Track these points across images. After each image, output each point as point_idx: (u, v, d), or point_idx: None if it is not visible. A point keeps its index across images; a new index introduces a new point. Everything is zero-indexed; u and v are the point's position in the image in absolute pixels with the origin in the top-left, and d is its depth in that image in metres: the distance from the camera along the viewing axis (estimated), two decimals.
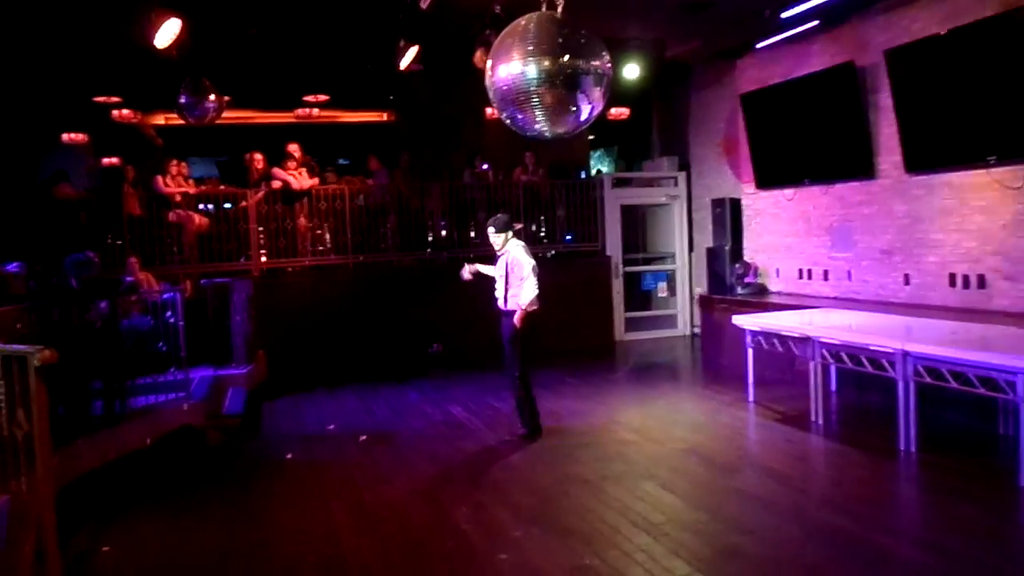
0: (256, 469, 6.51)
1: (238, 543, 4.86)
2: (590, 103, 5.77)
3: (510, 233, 6.98)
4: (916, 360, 5.79)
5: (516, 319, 6.71)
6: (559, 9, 5.19)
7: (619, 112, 13.61)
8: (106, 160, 14.37)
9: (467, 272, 7.12)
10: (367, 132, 15.28)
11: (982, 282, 7.48)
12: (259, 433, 7.73)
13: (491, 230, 7.01)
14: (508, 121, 5.93)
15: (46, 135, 13.36)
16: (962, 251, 7.69)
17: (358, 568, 4.38)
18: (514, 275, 6.80)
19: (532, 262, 6.81)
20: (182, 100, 9.33)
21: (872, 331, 6.51)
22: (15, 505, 1.53)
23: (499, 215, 7.28)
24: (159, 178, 10.66)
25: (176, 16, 7.60)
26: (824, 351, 6.77)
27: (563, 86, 5.57)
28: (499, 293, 6.95)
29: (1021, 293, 7.15)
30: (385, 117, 15.33)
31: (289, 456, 6.80)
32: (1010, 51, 6.78)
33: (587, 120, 5.89)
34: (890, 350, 5.98)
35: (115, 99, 12.45)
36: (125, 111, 12.80)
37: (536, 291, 6.75)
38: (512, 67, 5.53)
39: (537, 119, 5.75)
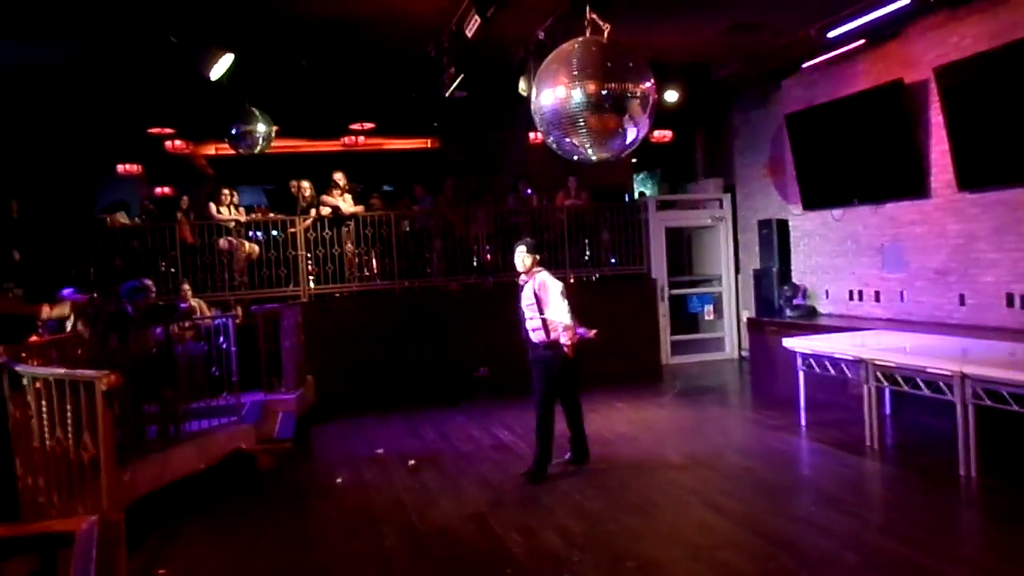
0: (307, 493, 6.56)
1: (291, 566, 4.91)
2: (635, 126, 5.81)
3: (537, 258, 6.55)
4: (975, 382, 5.65)
5: (569, 342, 6.24)
6: (605, 34, 5.23)
7: (662, 134, 13.61)
8: (159, 189, 14.79)
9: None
10: (412, 159, 15.52)
11: None
12: (310, 457, 7.80)
13: (522, 249, 6.52)
14: (554, 145, 5.99)
15: (102, 166, 13.78)
16: (1020, 271, 7.50)
17: None
18: (546, 298, 6.31)
19: (560, 284, 6.42)
20: (233, 131, 9.56)
21: (928, 353, 6.37)
22: (104, 527, 1.57)
23: (528, 238, 7.04)
24: (211, 206, 10.93)
25: (230, 52, 7.82)
26: (878, 374, 6.63)
27: (609, 110, 5.63)
28: (535, 324, 6.38)
29: None
30: (429, 144, 15.54)
31: (339, 480, 6.85)
32: None
33: (632, 143, 5.92)
34: (948, 372, 5.84)
35: (168, 130, 12.81)
36: (178, 142, 13.16)
37: (571, 319, 6.28)
38: (558, 92, 5.59)
39: (583, 143, 5.80)
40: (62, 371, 3.69)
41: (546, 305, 6.32)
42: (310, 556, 5.05)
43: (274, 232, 11.25)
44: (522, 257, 6.49)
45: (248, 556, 5.13)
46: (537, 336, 6.38)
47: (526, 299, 6.44)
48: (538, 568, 4.64)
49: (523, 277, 6.53)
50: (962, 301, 8.17)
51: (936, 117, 8.19)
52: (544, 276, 6.44)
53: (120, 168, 13.98)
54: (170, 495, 6.24)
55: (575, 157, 5.99)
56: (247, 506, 6.28)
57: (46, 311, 6.40)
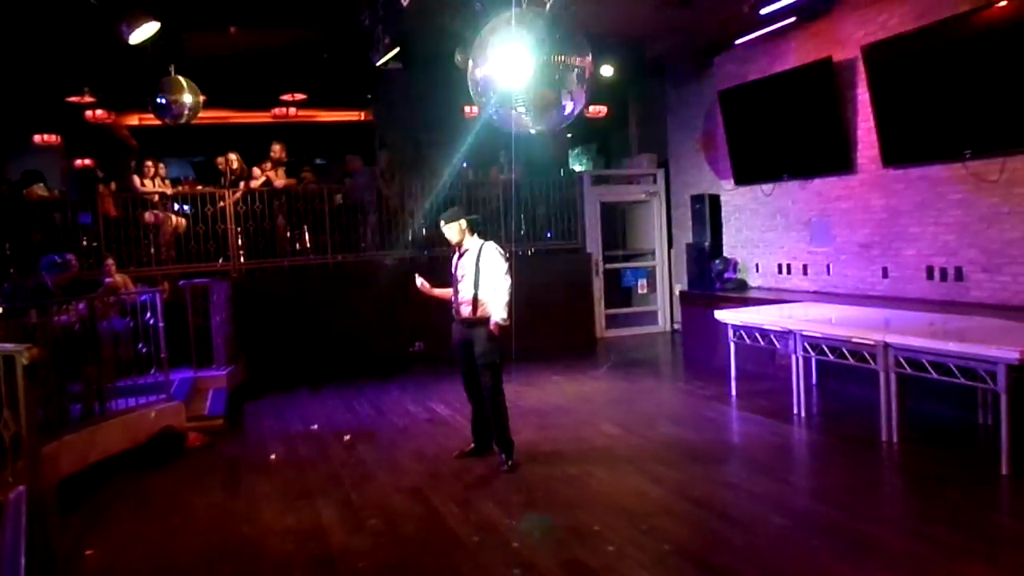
0: (240, 470, 6.44)
1: (226, 543, 4.81)
2: (572, 100, 5.81)
3: (464, 224, 6.02)
4: (897, 351, 5.86)
5: (493, 328, 5.79)
6: (548, 5, 5.20)
7: (597, 110, 13.68)
8: (79, 161, 14.21)
9: (419, 283, 6.19)
10: (344, 131, 15.23)
11: (960, 274, 7.58)
12: (242, 434, 7.66)
13: (442, 223, 6.08)
14: (491, 118, 5.96)
15: (17, 136, 13.17)
16: (940, 244, 7.79)
17: (348, 566, 4.35)
18: (485, 276, 5.86)
19: (506, 260, 5.94)
20: (157, 100, 9.23)
21: (852, 324, 6.58)
22: (33, 496, 1.50)
23: (452, 208, 6.36)
24: (136, 178, 10.56)
25: (155, 20, 7.53)
26: (805, 344, 6.82)
27: (547, 83, 5.61)
28: (464, 296, 5.91)
29: (998, 285, 7.25)
30: (363, 116, 15.28)
31: (273, 456, 6.74)
32: (983, 47, 6.88)
33: (570, 116, 5.92)
34: (871, 342, 6.04)
35: (89, 99, 12.29)
36: (99, 111, 12.65)
37: (509, 298, 5.80)
38: (494, 64, 5.55)
39: (520, 116, 5.78)
40: None
41: (481, 287, 5.87)
42: (244, 533, 4.97)
43: (186, 207, 10.89)
44: (447, 233, 6.06)
45: (179, 535, 5.02)
46: (465, 310, 5.93)
47: (462, 270, 5.96)
48: (472, 539, 4.65)
49: (463, 247, 6.04)
50: (885, 274, 8.45)
51: (863, 95, 8.40)
52: (490, 250, 5.94)
53: (37, 138, 13.38)
54: (96, 475, 6.06)
55: (512, 129, 5.97)
56: (177, 485, 6.13)
57: None
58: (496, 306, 5.81)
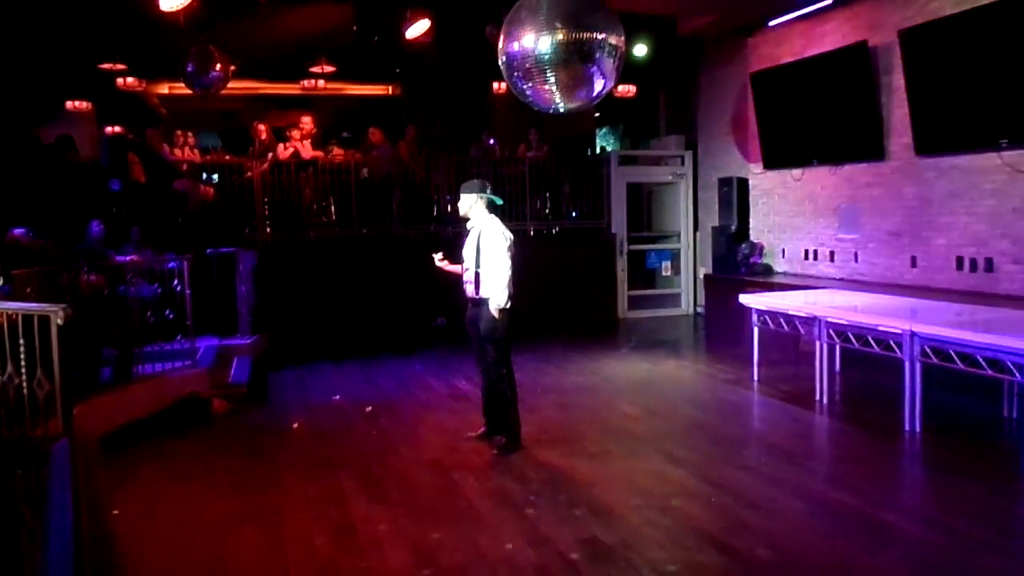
0: (263, 437, 6.53)
1: (247, 508, 4.89)
2: (603, 77, 5.78)
3: (477, 199, 5.82)
4: (923, 341, 5.81)
5: (493, 311, 5.67)
6: None
7: (626, 89, 13.54)
8: (109, 129, 14.33)
9: (437, 260, 6.08)
10: (372, 105, 15.22)
11: (990, 265, 7.48)
12: (265, 403, 7.76)
13: (463, 192, 5.90)
14: (520, 95, 5.93)
15: (49, 102, 13.27)
16: (971, 234, 7.68)
17: (369, 534, 4.42)
18: (485, 256, 5.71)
19: (508, 241, 5.69)
20: (188, 69, 9.28)
21: (879, 312, 6.52)
22: (76, 445, 1.55)
23: (474, 180, 6.15)
24: (165, 147, 10.64)
25: None
26: (830, 331, 6.78)
27: (577, 60, 5.57)
28: (469, 276, 5.82)
29: None
30: (390, 91, 15.26)
31: (295, 425, 6.83)
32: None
33: (600, 95, 5.90)
34: (897, 331, 5.99)
35: (120, 67, 12.35)
36: (130, 79, 12.71)
37: (509, 279, 5.63)
38: (526, 40, 5.53)
39: (550, 93, 5.75)
40: (15, 305, 3.59)
41: (483, 265, 5.73)
42: (266, 499, 5.04)
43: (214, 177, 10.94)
44: (466, 198, 5.86)
45: (205, 498, 5.11)
46: (469, 290, 5.84)
47: (467, 248, 5.86)
48: (491, 513, 4.70)
49: (471, 223, 5.90)
50: (914, 263, 8.35)
51: (899, 81, 8.26)
52: (492, 226, 5.77)
53: (69, 105, 13.49)
54: (123, 437, 6.17)
55: (541, 107, 5.94)
56: (201, 450, 6.24)
57: None
58: (495, 289, 5.65)
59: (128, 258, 7.76)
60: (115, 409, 6.21)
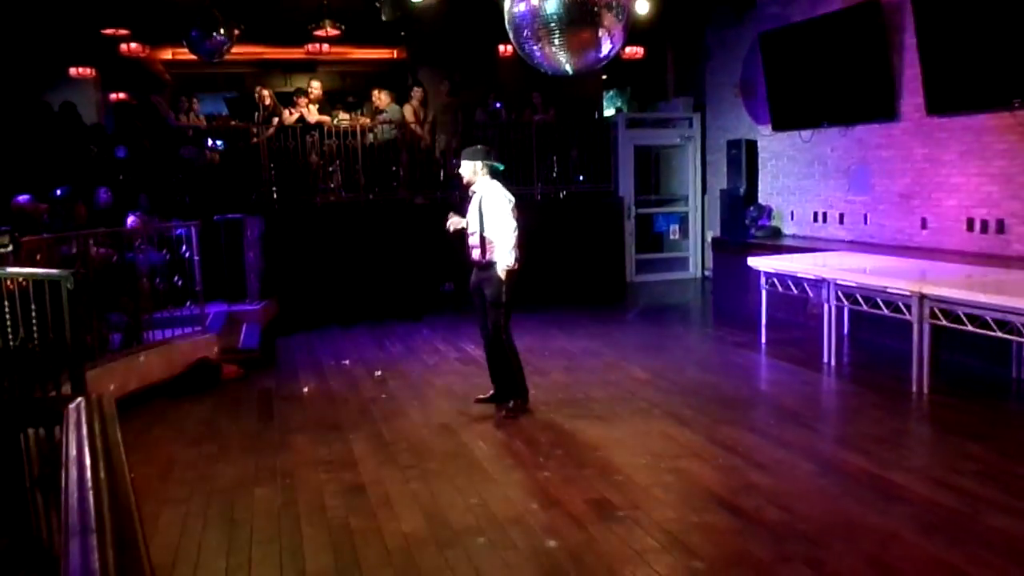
0: (274, 401, 6.58)
1: (259, 471, 4.95)
2: (610, 38, 5.71)
3: (480, 166, 5.79)
4: (932, 302, 5.79)
5: (501, 273, 5.67)
6: None
7: (633, 51, 13.38)
8: (113, 95, 14.26)
9: (451, 224, 5.97)
10: (377, 69, 15.10)
11: (1001, 227, 7.43)
12: (275, 367, 7.80)
13: (461, 159, 5.94)
14: (528, 57, 5.87)
15: (53, 68, 13.19)
16: (982, 195, 7.62)
17: (380, 496, 4.47)
18: (489, 219, 5.70)
19: (511, 203, 5.69)
20: (192, 34, 9.20)
21: (888, 273, 6.49)
22: (91, 404, 1.56)
23: (477, 146, 6.11)
24: (171, 113, 10.59)
25: None
26: (839, 293, 6.77)
27: (584, 20, 5.51)
28: (474, 241, 5.78)
29: None
30: (395, 55, 15.12)
31: (306, 389, 6.88)
32: None
33: (608, 55, 5.85)
34: (906, 292, 5.97)
35: (123, 32, 12.25)
36: (134, 45, 12.61)
37: (515, 240, 5.66)
38: (532, 1, 5.46)
39: (557, 54, 5.69)
40: (27, 270, 3.61)
41: (487, 229, 5.73)
42: (278, 462, 5.10)
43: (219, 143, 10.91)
44: (468, 166, 5.82)
45: (215, 461, 5.16)
46: (475, 254, 5.82)
47: (470, 214, 5.84)
48: (501, 475, 4.75)
49: (474, 187, 5.86)
50: (924, 225, 8.30)
51: (910, 39, 8.14)
52: (493, 191, 5.76)
53: (72, 71, 13.41)
54: (134, 402, 6.23)
55: (549, 69, 5.88)
56: (213, 414, 6.29)
57: None
58: (501, 251, 5.66)
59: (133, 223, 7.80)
60: (126, 374, 6.27)
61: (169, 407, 6.40)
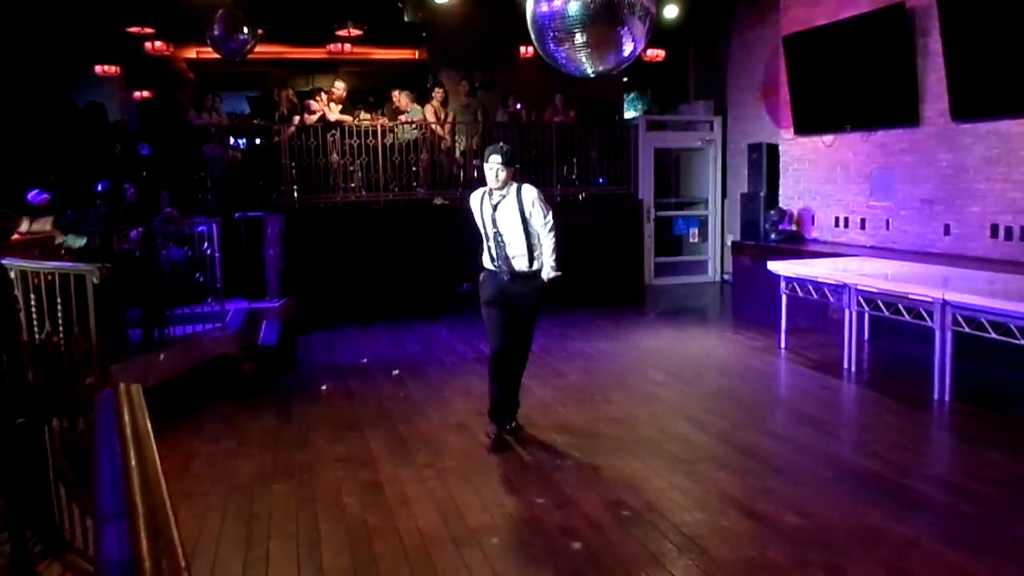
0: (292, 399, 6.62)
1: (277, 468, 4.98)
2: (633, 40, 5.70)
3: (513, 170, 5.21)
4: (955, 309, 5.74)
5: (546, 278, 5.17)
6: None
7: (655, 53, 13.37)
8: (137, 93, 14.42)
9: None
10: (398, 69, 15.17)
11: None
12: (294, 365, 7.85)
13: (496, 160, 5.06)
14: (550, 58, 5.87)
15: (78, 66, 13.36)
16: (1007, 202, 7.53)
17: (397, 494, 4.48)
18: (535, 224, 5.12)
19: (551, 208, 5.22)
20: (216, 33, 9.27)
21: (910, 279, 6.43)
22: (120, 394, 1.58)
23: (504, 145, 5.42)
24: (192, 111, 10.68)
25: None
26: (860, 299, 6.71)
27: (606, 22, 5.50)
28: (518, 250, 5.14)
29: None
30: (416, 55, 15.19)
31: (324, 387, 6.91)
32: None
33: (630, 57, 5.82)
34: (929, 299, 5.92)
35: (148, 30, 12.39)
36: (158, 43, 12.74)
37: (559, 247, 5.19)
38: (554, 2, 5.46)
39: (578, 56, 5.68)
40: (53, 265, 3.66)
41: (536, 225, 5.14)
42: (296, 458, 5.13)
43: (257, 140, 11.05)
44: (498, 173, 5.08)
45: (234, 458, 5.20)
46: (520, 264, 5.18)
47: (509, 220, 5.14)
48: (517, 476, 4.75)
49: (500, 191, 5.15)
50: (947, 231, 8.22)
51: (934, 44, 8.06)
52: (535, 196, 5.13)
53: (98, 69, 13.56)
54: (154, 397, 6.26)
55: (571, 71, 5.88)
56: (232, 410, 6.33)
57: (25, 224, 6.24)
58: (548, 258, 5.16)
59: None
60: (146, 370, 6.31)
61: (189, 403, 6.44)
